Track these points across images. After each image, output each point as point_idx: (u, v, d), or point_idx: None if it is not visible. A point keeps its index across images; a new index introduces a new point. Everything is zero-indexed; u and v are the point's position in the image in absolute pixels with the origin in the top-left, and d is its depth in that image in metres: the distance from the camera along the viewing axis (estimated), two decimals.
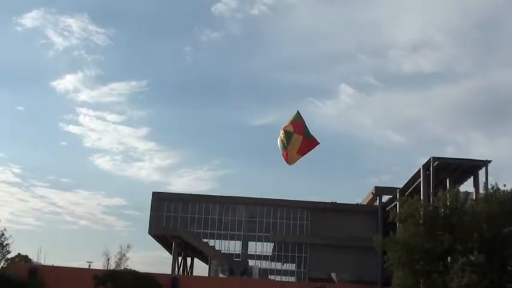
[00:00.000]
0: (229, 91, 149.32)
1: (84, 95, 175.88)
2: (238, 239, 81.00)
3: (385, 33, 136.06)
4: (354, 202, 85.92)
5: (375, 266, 68.82)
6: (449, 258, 45.24)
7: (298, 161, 27.23)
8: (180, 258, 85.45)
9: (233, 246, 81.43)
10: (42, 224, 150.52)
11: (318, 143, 26.84)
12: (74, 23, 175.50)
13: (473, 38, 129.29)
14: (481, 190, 54.22)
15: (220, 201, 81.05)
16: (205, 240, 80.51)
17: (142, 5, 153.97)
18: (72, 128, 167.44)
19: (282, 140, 26.81)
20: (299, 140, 26.54)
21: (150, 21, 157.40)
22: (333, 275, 73.70)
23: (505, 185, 47.43)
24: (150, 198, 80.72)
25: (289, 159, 26.88)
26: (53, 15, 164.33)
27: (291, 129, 26.57)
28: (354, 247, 74.89)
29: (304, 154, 26.90)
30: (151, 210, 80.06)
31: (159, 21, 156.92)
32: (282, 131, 26.82)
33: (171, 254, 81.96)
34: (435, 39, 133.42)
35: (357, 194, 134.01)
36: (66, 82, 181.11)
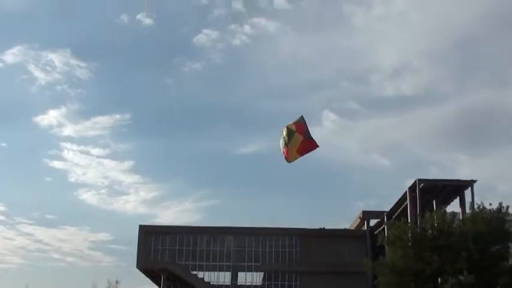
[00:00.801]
0: (213, 121, 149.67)
1: (68, 130, 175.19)
2: (227, 270, 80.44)
3: (365, 59, 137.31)
4: (342, 227, 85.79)
5: None
6: (439, 279, 45.27)
7: (296, 160, 27.80)
8: None
9: (222, 278, 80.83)
10: (28, 262, 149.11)
11: (318, 146, 27.20)
12: (56, 58, 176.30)
13: (452, 60, 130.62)
14: (468, 210, 54.37)
15: (207, 232, 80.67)
16: (194, 272, 79.96)
17: (123, 38, 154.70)
18: (57, 164, 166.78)
19: (283, 138, 27.55)
20: (300, 139, 27.17)
21: (131, 54, 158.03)
22: None
23: (490, 204, 47.73)
24: (137, 232, 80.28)
25: (289, 157, 27.63)
26: (35, 51, 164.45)
27: (293, 127, 27.51)
28: (344, 272, 74.59)
29: (303, 154, 27.53)
30: (138, 243, 79.51)
31: (141, 54, 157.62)
32: (285, 129, 27.42)
33: None
34: (414, 62, 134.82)
35: (344, 219, 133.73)
36: (50, 117, 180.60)
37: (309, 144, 27.30)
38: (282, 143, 27.40)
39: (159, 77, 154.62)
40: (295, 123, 27.39)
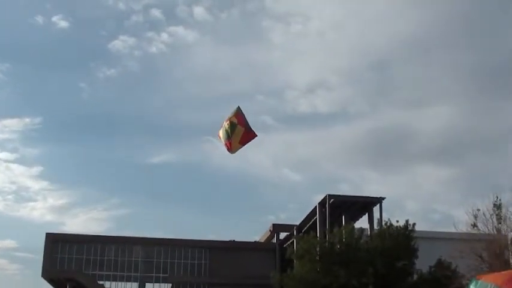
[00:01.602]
0: (126, 129, 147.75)
1: None
2: (135, 280, 79.64)
3: (281, 75, 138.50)
4: (252, 240, 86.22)
5: None
6: None
7: (238, 150, 28.42)
8: None
9: None
10: None
11: (256, 136, 28.03)
12: None
13: (366, 80, 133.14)
14: (375, 226, 55.54)
15: (116, 242, 79.68)
16: (101, 282, 78.84)
17: (37, 40, 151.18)
18: None
19: (226, 130, 27.46)
20: (241, 131, 27.19)
21: (45, 56, 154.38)
22: None
23: (397, 221, 49.04)
24: (44, 240, 78.66)
25: (232, 148, 28.14)
26: None
27: (235, 120, 28.07)
28: (252, 285, 74.74)
29: (244, 144, 28.16)
30: (44, 252, 77.79)
31: (55, 57, 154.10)
32: (228, 122, 28.22)
33: None
34: (330, 80, 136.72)
35: (254, 231, 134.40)
36: None
37: (249, 135, 28.30)
38: (223, 135, 28.19)
39: (72, 81, 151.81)
40: (235, 115, 28.24)
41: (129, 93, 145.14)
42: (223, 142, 27.75)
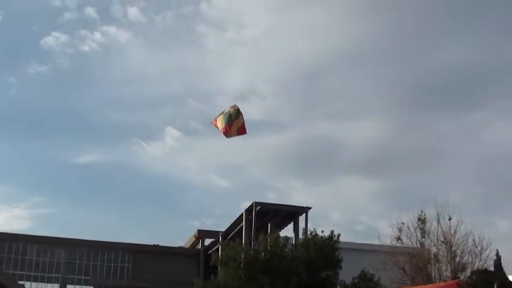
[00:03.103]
0: (54, 127, 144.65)
1: None
2: (56, 282, 78.21)
3: (213, 80, 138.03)
4: (177, 245, 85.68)
5: None
6: None
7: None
8: None
9: None
10: None
11: (245, 133, 30.30)
12: None
13: (296, 90, 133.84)
14: (301, 235, 55.73)
15: (38, 242, 78.03)
16: (21, 282, 76.96)
17: None
18: None
19: (230, 114, 29.65)
20: (241, 122, 29.76)
21: None
22: None
23: (322, 231, 49.22)
24: None
25: (231, 133, 30.01)
26: None
27: (239, 111, 29.91)
28: None
29: (237, 135, 30.33)
30: None
31: None
32: (234, 108, 29.91)
33: None
34: (261, 89, 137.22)
35: (179, 237, 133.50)
36: None
37: (243, 130, 30.18)
38: (225, 119, 30.15)
39: (1, 75, 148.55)
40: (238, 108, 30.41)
41: (59, 91, 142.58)
42: (222, 125, 29.95)
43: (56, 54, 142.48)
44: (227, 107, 30.44)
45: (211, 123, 30.72)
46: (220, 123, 29.98)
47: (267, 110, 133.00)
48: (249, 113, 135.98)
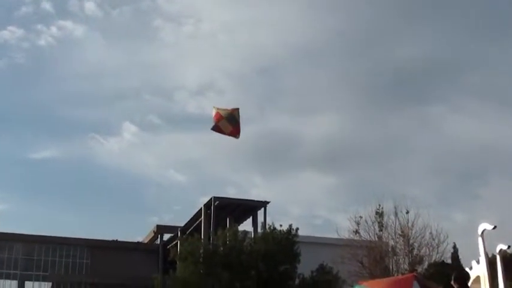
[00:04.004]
0: (8, 122, 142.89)
1: None
2: (14, 278, 77.26)
3: (171, 75, 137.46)
4: (136, 240, 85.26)
5: None
6: None
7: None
8: None
9: (8, 286, 77.64)
10: None
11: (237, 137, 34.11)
12: None
13: (255, 85, 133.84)
14: (259, 230, 55.89)
15: None
16: None
17: None
18: None
19: (235, 117, 33.00)
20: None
21: None
22: None
23: (281, 225, 49.49)
24: None
25: (238, 133, 33.62)
26: None
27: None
28: (135, 286, 73.77)
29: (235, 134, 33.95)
30: None
31: None
32: (236, 111, 33.42)
33: None
34: (220, 83, 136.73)
35: (138, 232, 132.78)
36: None
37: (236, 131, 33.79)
38: (230, 120, 32.63)
39: None
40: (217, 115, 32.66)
41: (15, 85, 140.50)
42: (229, 128, 33.24)
43: (11, 48, 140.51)
44: (234, 109, 33.46)
45: (214, 117, 32.88)
46: (227, 124, 31.75)
47: (226, 104, 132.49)
48: (207, 108, 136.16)
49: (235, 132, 34.42)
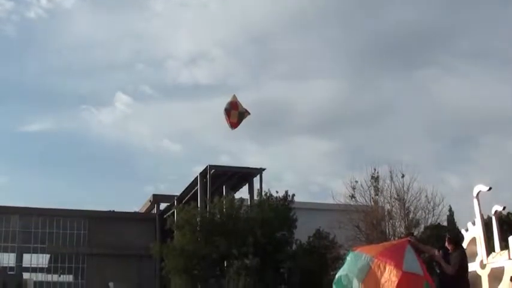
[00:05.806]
0: (1, 95, 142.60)
1: None
2: (12, 251, 77.50)
3: (162, 44, 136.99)
4: (132, 210, 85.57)
5: (154, 274, 68.80)
6: (225, 262, 46.32)
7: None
8: None
9: (7, 259, 77.78)
10: None
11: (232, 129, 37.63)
12: None
13: (248, 52, 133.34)
14: (256, 197, 56.04)
15: None
16: None
17: None
18: None
19: (243, 117, 37.09)
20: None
21: None
22: (111, 284, 72.70)
23: (277, 192, 49.77)
24: None
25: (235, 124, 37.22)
26: None
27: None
28: (132, 255, 74.32)
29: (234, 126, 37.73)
30: None
31: None
32: (246, 112, 37.64)
33: None
34: (212, 52, 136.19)
35: (134, 202, 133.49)
36: None
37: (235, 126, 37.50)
38: (237, 117, 35.50)
39: None
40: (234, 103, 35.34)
41: (5, 58, 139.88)
42: (234, 120, 36.73)
43: (1, 21, 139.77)
44: (244, 108, 37.14)
45: (231, 103, 35.61)
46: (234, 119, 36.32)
47: (218, 73, 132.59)
48: (199, 78, 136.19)
49: (234, 126, 38.33)
